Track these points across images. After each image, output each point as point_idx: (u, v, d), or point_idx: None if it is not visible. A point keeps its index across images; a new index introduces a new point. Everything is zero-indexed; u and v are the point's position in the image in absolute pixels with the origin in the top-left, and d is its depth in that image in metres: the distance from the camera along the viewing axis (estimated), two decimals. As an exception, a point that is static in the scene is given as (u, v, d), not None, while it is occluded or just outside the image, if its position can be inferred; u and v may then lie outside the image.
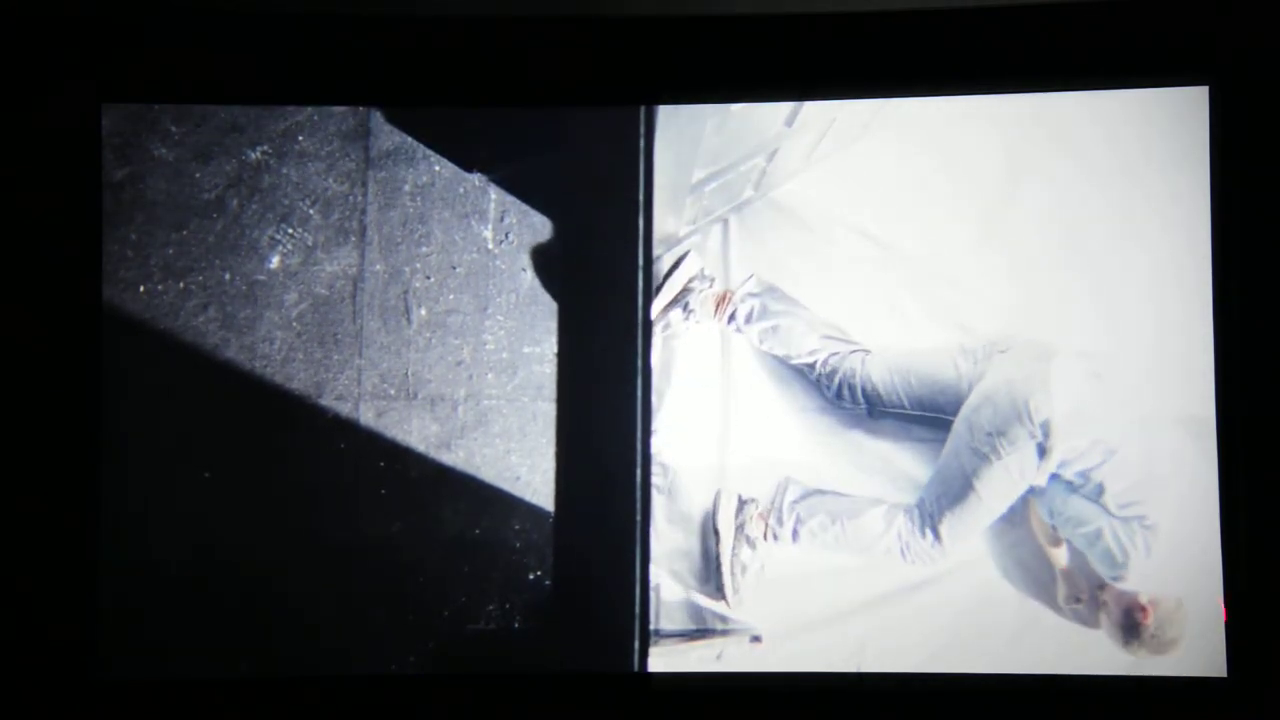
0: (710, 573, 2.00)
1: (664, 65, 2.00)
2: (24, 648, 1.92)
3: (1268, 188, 1.91)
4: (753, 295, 2.01)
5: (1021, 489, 1.93)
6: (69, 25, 1.95)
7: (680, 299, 1.99)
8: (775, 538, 1.99)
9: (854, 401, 2.00)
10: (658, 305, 1.99)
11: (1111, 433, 1.90)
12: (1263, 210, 1.91)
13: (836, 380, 2.01)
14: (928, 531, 1.95)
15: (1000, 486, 1.92)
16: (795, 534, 1.99)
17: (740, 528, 1.99)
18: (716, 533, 1.99)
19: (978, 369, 1.95)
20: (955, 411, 1.96)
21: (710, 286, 2.02)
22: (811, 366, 2.02)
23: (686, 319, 2.01)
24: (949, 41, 1.95)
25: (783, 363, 2.04)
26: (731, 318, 2.01)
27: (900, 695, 1.95)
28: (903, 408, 1.99)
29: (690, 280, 2.00)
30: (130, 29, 1.96)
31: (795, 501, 1.99)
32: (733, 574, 1.99)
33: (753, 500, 2.00)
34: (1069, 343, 1.94)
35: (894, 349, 2.00)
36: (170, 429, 1.97)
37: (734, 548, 1.99)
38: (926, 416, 1.98)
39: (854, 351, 2.01)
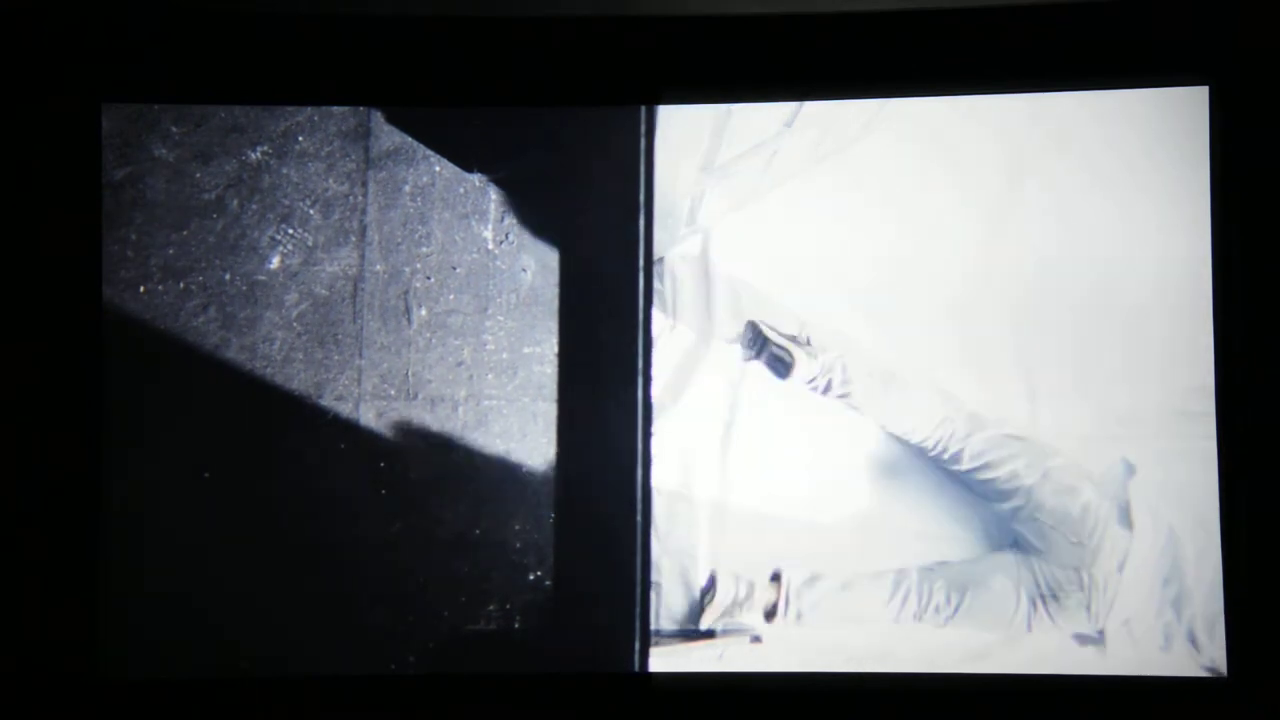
0: (690, 614, 2.00)
1: (664, 65, 2.00)
2: (25, 647, 1.92)
3: (1268, 188, 1.91)
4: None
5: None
6: (69, 25, 1.95)
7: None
8: (784, 615, 1.98)
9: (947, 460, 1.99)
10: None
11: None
12: (1263, 210, 1.91)
13: (949, 453, 1.99)
14: (950, 598, 1.95)
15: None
16: (799, 618, 1.98)
17: (729, 614, 1.98)
18: (703, 608, 1.98)
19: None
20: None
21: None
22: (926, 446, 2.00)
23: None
24: (949, 41, 1.95)
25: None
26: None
27: (900, 695, 1.95)
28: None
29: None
30: (130, 29, 1.96)
31: (800, 586, 1.98)
32: (711, 626, 1.99)
33: (749, 596, 1.97)
34: (1070, 348, 1.95)
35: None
36: (170, 429, 1.97)
37: (717, 619, 1.98)
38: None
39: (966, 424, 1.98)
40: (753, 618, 1.98)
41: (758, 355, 1.99)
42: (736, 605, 1.97)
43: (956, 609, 1.95)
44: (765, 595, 1.97)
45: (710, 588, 1.98)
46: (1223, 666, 1.90)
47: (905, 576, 1.96)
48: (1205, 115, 1.93)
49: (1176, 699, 1.91)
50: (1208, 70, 1.94)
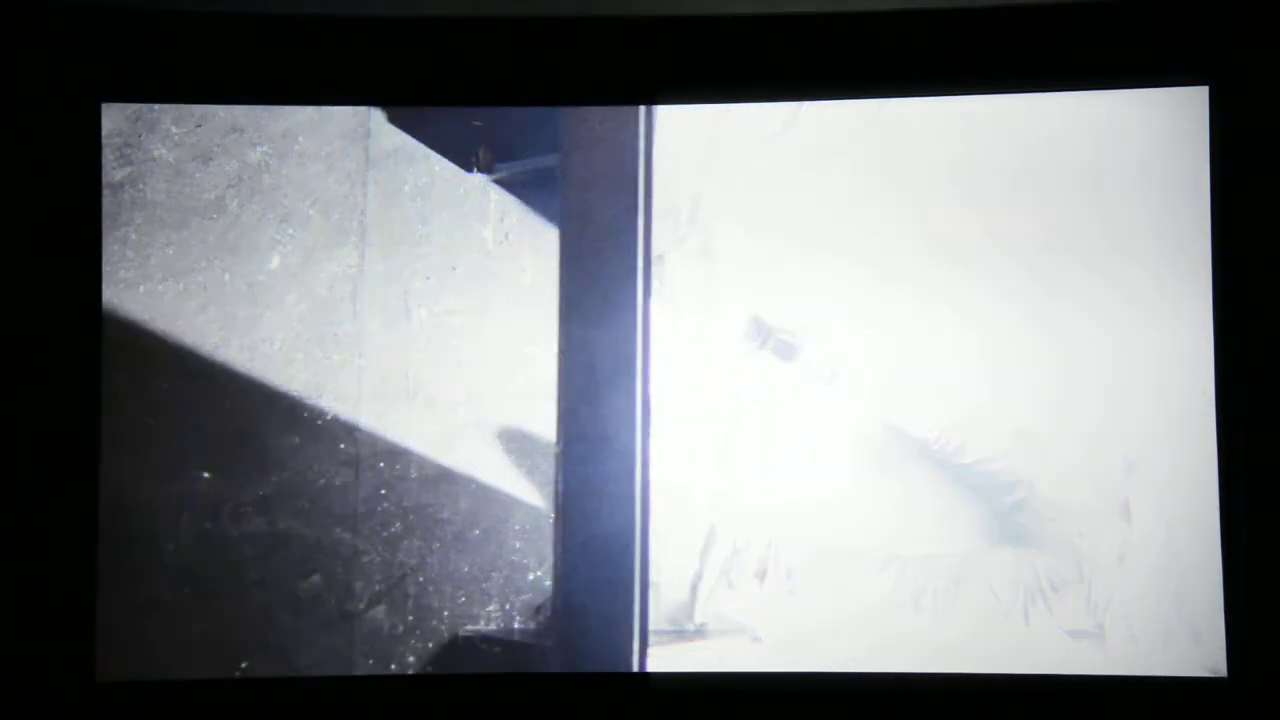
0: (685, 596, 1.99)
1: (664, 65, 2.00)
2: (24, 648, 1.92)
3: (1268, 188, 1.91)
4: None
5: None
6: (69, 25, 1.95)
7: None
8: (773, 569, 1.98)
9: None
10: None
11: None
12: (1263, 210, 1.91)
13: (952, 446, 1.99)
14: (949, 586, 1.95)
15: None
16: (789, 577, 1.98)
17: (726, 573, 1.98)
18: (700, 570, 1.98)
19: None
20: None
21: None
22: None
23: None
24: (949, 41, 1.95)
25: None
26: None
27: (900, 695, 1.95)
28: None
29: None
30: (130, 29, 1.96)
31: (792, 558, 1.98)
32: (704, 605, 1.98)
33: (746, 548, 1.98)
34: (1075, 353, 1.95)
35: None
36: (170, 429, 1.97)
37: (713, 587, 1.98)
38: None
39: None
40: (746, 572, 1.97)
41: (763, 345, 1.99)
42: (735, 555, 1.97)
43: (955, 597, 1.95)
44: (758, 551, 1.97)
45: (710, 543, 1.98)
46: (1223, 665, 1.89)
47: (903, 563, 1.96)
48: (1205, 115, 1.93)
49: (1176, 699, 1.91)
50: (1208, 70, 1.93)
